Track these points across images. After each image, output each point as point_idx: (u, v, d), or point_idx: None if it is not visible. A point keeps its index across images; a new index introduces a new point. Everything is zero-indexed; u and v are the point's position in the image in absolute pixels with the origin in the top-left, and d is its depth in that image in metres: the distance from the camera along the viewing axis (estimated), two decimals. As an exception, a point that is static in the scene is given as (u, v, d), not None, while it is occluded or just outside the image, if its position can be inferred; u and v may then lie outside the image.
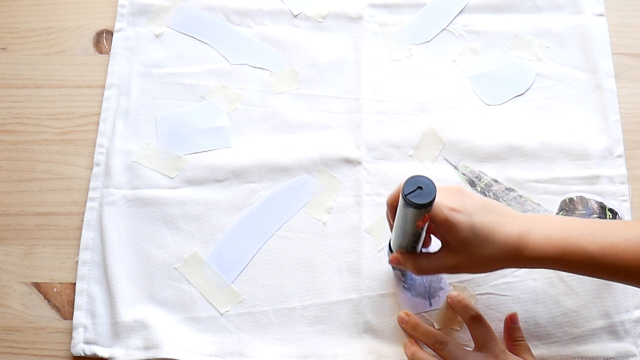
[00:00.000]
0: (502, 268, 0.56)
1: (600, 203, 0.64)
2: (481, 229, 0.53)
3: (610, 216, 0.63)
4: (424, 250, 0.60)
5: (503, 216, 0.54)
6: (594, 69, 0.76)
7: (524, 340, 0.62)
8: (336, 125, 0.75)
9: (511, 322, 0.63)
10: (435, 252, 0.57)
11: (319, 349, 0.66)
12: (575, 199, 0.65)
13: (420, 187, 0.50)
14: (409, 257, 0.58)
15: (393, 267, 0.67)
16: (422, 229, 0.54)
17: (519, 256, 0.53)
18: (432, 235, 0.60)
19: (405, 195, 0.50)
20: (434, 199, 0.50)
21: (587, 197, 0.64)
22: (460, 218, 0.52)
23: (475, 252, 0.53)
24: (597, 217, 0.63)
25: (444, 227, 0.53)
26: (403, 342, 0.65)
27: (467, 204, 0.53)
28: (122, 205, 0.72)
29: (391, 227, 0.60)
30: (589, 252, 0.53)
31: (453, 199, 0.53)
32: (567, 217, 0.61)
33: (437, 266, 0.56)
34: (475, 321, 0.62)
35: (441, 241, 0.56)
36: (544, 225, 0.54)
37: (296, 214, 0.71)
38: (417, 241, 0.57)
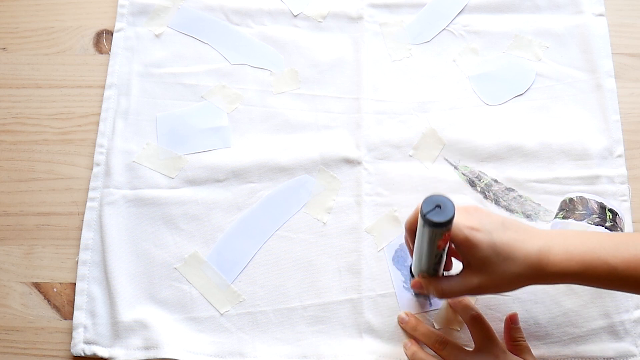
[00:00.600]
0: (526, 285, 0.55)
1: (600, 203, 0.64)
2: (502, 247, 0.52)
3: (610, 216, 0.63)
4: (445, 273, 0.59)
5: (522, 233, 0.54)
6: (594, 69, 0.76)
7: (524, 341, 0.62)
8: (336, 125, 0.75)
9: (511, 323, 0.63)
10: (457, 274, 0.56)
11: (319, 349, 0.66)
12: (575, 199, 0.65)
13: (438, 206, 0.49)
14: (431, 281, 0.57)
15: (415, 294, 0.66)
16: (443, 250, 0.54)
17: (541, 272, 0.53)
18: (452, 259, 0.60)
19: (425, 215, 0.49)
20: (453, 217, 0.49)
21: (587, 197, 0.64)
22: (480, 237, 0.52)
23: (497, 270, 0.53)
24: (597, 217, 0.63)
25: (465, 247, 0.53)
26: (403, 342, 0.65)
27: (485, 222, 0.53)
28: (122, 205, 0.72)
29: (411, 251, 0.59)
30: (612, 266, 0.52)
31: (471, 218, 0.53)
32: (585, 231, 0.60)
33: (460, 288, 0.55)
34: (476, 321, 0.62)
35: (462, 262, 0.56)
36: (563, 240, 0.54)
37: (296, 214, 0.71)
38: (438, 263, 0.56)
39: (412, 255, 0.59)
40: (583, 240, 0.54)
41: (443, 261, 0.56)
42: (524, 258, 0.52)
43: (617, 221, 0.63)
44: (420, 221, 0.51)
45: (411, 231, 0.56)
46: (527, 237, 0.53)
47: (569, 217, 0.64)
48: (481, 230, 0.52)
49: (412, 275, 0.61)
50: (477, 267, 0.54)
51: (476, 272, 0.54)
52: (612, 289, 0.55)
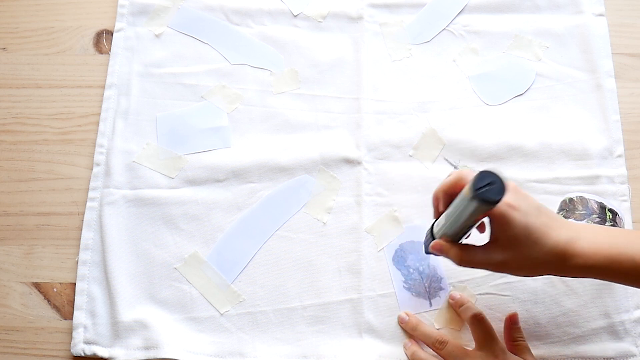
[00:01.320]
0: (547, 274, 0.55)
1: (600, 203, 0.64)
2: (534, 230, 0.52)
3: (610, 216, 0.63)
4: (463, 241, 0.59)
5: (554, 221, 0.54)
6: (594, 69, 0.76)
7: (524, 341, 0.62)
8: (336, 125, 0.75)
9: (511, 323, 0.63)
10: (481, 246, 0.55)
11: (319, 349, 0.66)
12: (575, 199, 0.65)
13: (490, 183, 0.48)
14: (453, 246, 0.56)
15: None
16: (477, 222, 0.54)
17: (565, 263, 0.53)
18: (476, 230, 0.59)
19: (477, 190, 0.48)
20: (503, 197, 0.49)
21: (587, 197, 0.64)
22: (516, 216, 0.52)
23: (524, 252, 0.53)
24: (597, 217, 0.63)
25: (499, 222, 0.53)
26: (403, 342, 0.65)
27: (523, 203, 0.53)
28: (122, 205, 0.72)
29: (437, 213, 0.59)
30: (638, 262, 0.52)
31: (510, 195, 0.53)
32: (613, 228, 0.60)
33: (482, 260, 0.55)
34: (477, 320, 0.62)
35: (491, 236, 0.55)
36: (591, 234, 0.54)
37: (296, 214, 0.71)
38: (466, 233, 0.56)
39: (436, 216, 0.59)
40: (611, 236, 0.54)
41: (471, 232, 0.56)
42: (553, 246, 0.52)
43: (617, 221, 0.63)
44: (467, 192, 0.50)
45: (446, 195, 0.56)
46: (557, 225, 0.53)
47: (569, 217, 0.64)
48: (518, 210, 0.52)
49: (433, 236, 0.60)
50: (504, 244, 0.53)
51: (503, 248, 0.53)
52: (635, 286, 0.55)
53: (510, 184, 0.54)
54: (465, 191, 0.50)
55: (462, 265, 0.55)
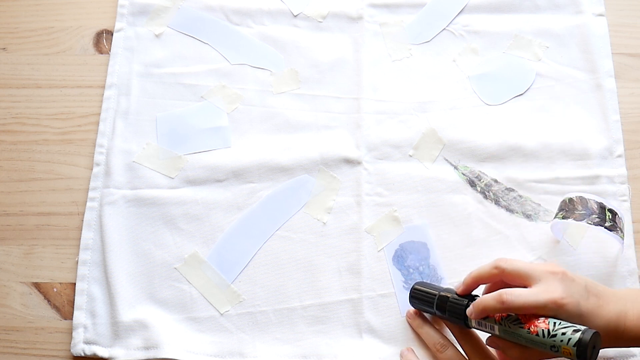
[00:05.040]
0: (604, 348, 0.55)
1: (600, 203, 0.63)
2: (586, 315, 0.54)
3: (610, 216, 0.63)
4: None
5: (602, 298, 0.55)
6: (594, 69, 0.76)
7: None
8: (336, 125, 0.75)
9: None
10: None
11: (319, 349, 0.66)
12: (574, 199, 0.65)
13: (594, 346, 0.52)
14: (513, 346, 0.56)
15: (415, 305, 0.66)
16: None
17: (619, 338, 0.55)
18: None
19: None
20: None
21: (586, 197, 0.64)
22: (569, 306, 0.53)
23: None
24: (597, 217, 0.63)
25: (554, 315, 0.54)
26: (400, 350, 0.65)
27: (572, 289, 0.54)
28: (122, 205, 0.72)
29: (466, 291, 0.60)
30: None
31: (559, 287, 0.54)
32: None
33: (542, 355, 0.55)
34: (465, 335, 0.61)
35: None
36: (636, 304, 0.55)
37: (296, 214, 0.71)
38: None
39: (462, 293, 0.60)
40: None
41: None
42: (605, 326, 0.54)
43: (616, 221, 0.63)
44: (569, 352, 0.51)
45: (480, 282, 0.59)
46: (605, 302, 0.55)
47: (569, 217, 0.64)
48: (569, 299, 0.53)
49: (443, 306, 0.61)
50: None
51: None
52: None
53: (556, 270, 0.56)
54: (562, 345, 0.52)
55: None
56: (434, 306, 0.62)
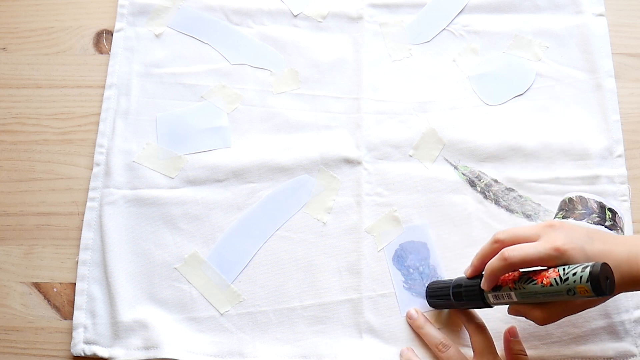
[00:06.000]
0: (619, 293, 0.55)
1: (600, 203, 0.64)
2: (593, 257, 0.53)
3: (610, 215, 0.63)
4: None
5: (607, 242, 0.55)
6: (594, 69, 0.76)
7: (525, 355, 0.62)
8: (336, 125, 0.75)
9: (510, 336, 0.63)
10: None
11: (319, 349, 0.66)
12: (574, 198, 0.65)
13: (607, 278, 0.51)
14: (534, 308, 0.56)
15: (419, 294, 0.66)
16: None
17: (632, 280, 0.54)
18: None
19: (599, 289, 0.50)
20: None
21: (586, 196, 0.64)
22: (575, 253, 0.53)
23: None
24: (597, 216, 0.63)
25: (561, 264, 0.53)
26: (400, 350, 0.65)
27: (573, 235, 0.54)
28: (122, 205, 0.72)
29: (474, 273, 0.60)
30: None
31: (559, 235, 0.54)
32: None
33: (565, 309, 0.55)
34: (479, 330, 0.61)
35: None
36: None
37: (296, 214, 0.71)
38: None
39: (471, 275, 0.61)
40: None
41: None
42: (616, 267, 0.53)
43: (616, 220, 0.63)
44: (584, 289, 0.51)
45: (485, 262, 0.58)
46: (612, 245, 0.54)
47: (569, 217, 0.63)
48: (570, 244, 0.53)
49: (458, 291, 0.61)
50: None
51: None
52: None
53: (554, 223, 0.55)
54: (576, 285, 0.51)
55: (545, 324, 0.56)
56: (451, 297, 0.62)
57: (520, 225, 0.58)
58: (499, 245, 0.57)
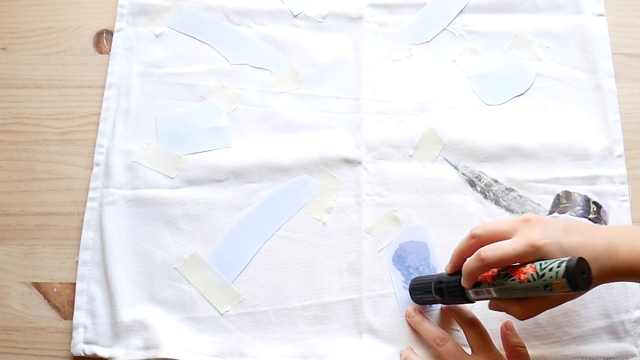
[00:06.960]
0: (597, 285, 0.54)
1: (585, 196, 0.63)
2: (570, 250, 0.52)
3: (594, 208, 0.62)
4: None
5: (585, 234, 0.54)
6: (594, 69, 0.76)
7: (524, 347, 0.62)
8: (336, 125, 0.75)
9: (506, 329, 0.63)
10: None
11: (319, 349, 0.66)
12: (560, 193, 0.65)
13: (583, 273, 0.50)
14: (513, 304, 0.55)
15: (416, 300, 0.66)
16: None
17: (611, 271, 0.53)
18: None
19: (574, 284, 0.50)
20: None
21: (571, 190, 0.64)
22: (551, 248, 0.52)
23: None
24: (580, 209, 0.62)
25: (537, 259, 0.53)
26: (400, 350, 0.65)
27: (549, 229, 0.53)
28: (122, 205, 0.72)
29: (454, 269, 0.60)
30: None
31: (535, 230, 0.53)
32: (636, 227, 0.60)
33: (544, 304, 0.55)
34: (472, 325, 0.62)
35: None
36: (626, 237, 0.53)
37: (296, 214, 0.71)
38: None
39: (451, 271, 0.60)
40: None
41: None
42: (594, 260, 0.52)
43: (600, 214, 0.62)
44: (561, 284, 0.50)
45: (464, 258, 0.57)
46: (590, 237, 0.53)
47: (554, 212, 0.63)
48: (547, 239, 0.52)
49: (439, 287, 0.61)
50: None
51: None
52: None
53: (530, 217, 0.54)
54: (552, 281, 0.51)
55: (524, 319, 0.55)
56: (433, 292, 0.62)
57: (497, 220, 0.57)
58: (475, 241, 0.56)
